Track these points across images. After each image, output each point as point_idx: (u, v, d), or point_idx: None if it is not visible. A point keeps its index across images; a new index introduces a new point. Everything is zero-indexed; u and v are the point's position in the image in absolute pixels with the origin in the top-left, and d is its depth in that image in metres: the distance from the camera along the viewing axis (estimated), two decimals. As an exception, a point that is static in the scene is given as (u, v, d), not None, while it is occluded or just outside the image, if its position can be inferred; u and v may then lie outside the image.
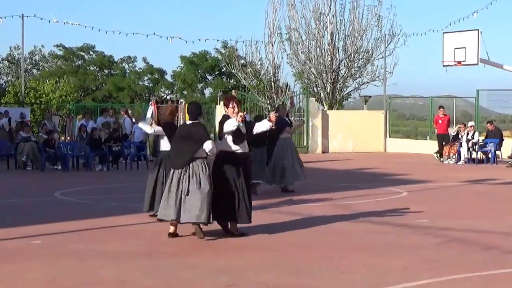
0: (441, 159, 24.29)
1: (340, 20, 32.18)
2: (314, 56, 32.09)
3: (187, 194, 8.94)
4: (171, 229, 9.20)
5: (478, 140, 24.24)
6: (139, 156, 22.14)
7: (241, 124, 9.23)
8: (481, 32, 22.34)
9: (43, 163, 20.16)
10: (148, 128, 10.82)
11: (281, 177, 14.68)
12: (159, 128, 10.55)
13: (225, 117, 9.43)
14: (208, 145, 9.06)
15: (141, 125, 11.38)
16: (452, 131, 24.82)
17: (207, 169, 9.11)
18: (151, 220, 10.38)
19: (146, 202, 10.52)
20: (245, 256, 8.10)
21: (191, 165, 9.06)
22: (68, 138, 25.97)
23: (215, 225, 9.64)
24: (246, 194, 9.25)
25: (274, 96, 30.35)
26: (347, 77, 32.63)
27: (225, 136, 9.30)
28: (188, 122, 9.48)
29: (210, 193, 8.99)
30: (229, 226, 9.46)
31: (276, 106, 25.60)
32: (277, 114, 9.36)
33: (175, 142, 9.48)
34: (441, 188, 16.08)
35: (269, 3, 31.54)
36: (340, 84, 32.67)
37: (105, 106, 29.42)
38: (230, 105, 9.40)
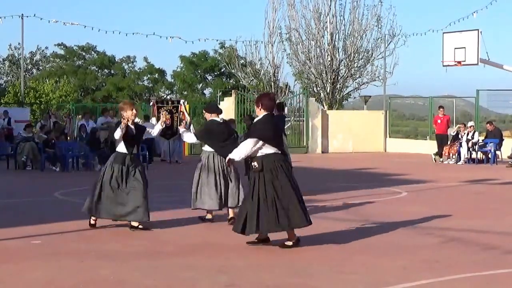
0: (441, 159, 24.30)
1: (340, 20, 32.25)
2: (314, 56, 32.10)
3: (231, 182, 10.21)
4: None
5: (478, 140, 24.25)
6: (144, 156, 22.08)
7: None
8: (481, 32, 22.35)
9: (42, 163, 20.16)
10: None
11: None
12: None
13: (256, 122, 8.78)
14: None
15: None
16: (452, 131, 24.83)
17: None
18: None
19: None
20: (245, 256, 8.10)
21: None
22: (68, 138, 25.93)
23: (219, 223, 9.64)
24: (262, 201, 8.32)
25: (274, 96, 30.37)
26: (347, 77, 32.65)
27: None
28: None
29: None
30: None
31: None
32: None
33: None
34: (441, 188, 16.07)
35: (269, 3, 31.61)
36: (340, 84, 32.69)
37: (105, 106, 29.40)
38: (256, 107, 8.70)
